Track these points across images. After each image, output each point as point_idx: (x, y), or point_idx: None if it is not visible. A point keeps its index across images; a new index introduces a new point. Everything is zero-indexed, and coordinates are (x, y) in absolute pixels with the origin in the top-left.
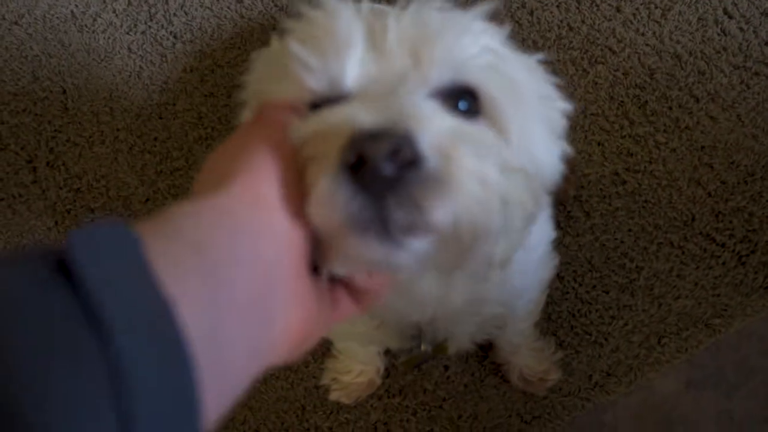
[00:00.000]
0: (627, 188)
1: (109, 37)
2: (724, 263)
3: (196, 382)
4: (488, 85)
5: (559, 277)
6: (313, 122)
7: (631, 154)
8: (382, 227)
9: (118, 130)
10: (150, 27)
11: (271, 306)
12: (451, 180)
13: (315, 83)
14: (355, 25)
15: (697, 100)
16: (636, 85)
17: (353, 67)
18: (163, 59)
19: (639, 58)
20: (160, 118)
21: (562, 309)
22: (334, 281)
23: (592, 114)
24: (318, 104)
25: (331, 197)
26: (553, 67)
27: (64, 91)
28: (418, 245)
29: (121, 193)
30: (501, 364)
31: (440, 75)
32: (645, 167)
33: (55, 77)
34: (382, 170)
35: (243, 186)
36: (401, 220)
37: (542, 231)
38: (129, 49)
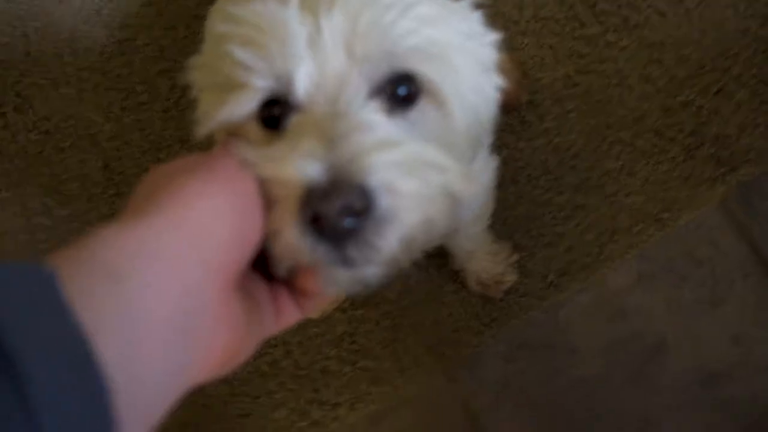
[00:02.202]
0: (579, 89)
1: None
2: (673, 158)
3: (111, 408)
4: (424, 67)
5: (514, 180)
6: (268, 169)
7: (582, 56)
8: (345, 262)
9: (81, 69)
10: None
11: (193, 332)
12: (399, 214)
13: (263, 84)
14: (296, 26)
15: None
16: None
17: (300, 72)
18: None
19: None
20: (122, 54)
21: (518, 212)
22: (278, 289)
23: (542, 18)
24: (270, 102)
25: (297, 245)
26: None
27: (26, 35)
28: (378, 267)
29: (89, 131)
30: (458, 270)
31: (377, 69)
32: (596, 67)
33: (16, 21)
34: (339, 226)
35: (173, 211)
36: (360, 258)
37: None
38: None
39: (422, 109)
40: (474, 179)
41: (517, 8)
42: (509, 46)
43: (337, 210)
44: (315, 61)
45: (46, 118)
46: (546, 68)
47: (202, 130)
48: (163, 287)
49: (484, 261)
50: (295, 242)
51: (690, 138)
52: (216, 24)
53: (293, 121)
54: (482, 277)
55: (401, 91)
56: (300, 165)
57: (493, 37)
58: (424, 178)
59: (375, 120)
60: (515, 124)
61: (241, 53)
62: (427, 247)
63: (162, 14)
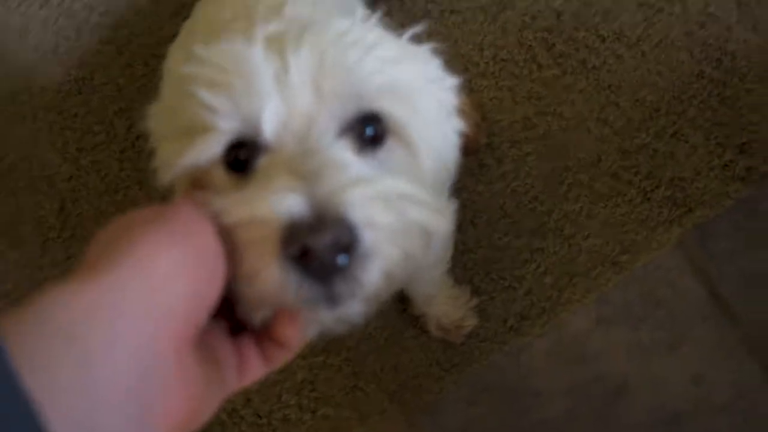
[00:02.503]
0: (537, 132)
1: (23, 13)
2: (630, 200)
3: None
4: (391, 108)
5: (473, 224)
6: (240, 211)
7: (541, 98)
8: (330, 299)
9: (37, 108)
10: (64, 0)
11: (148, 393)
12: (381, 248)
13: (229, 126)
14: (263, 65)
15: (603, 40)
16: (544, 28)
17: (267, 111)
18: (79, 33)
19: (546, 1)
20: (79, 93)
21: (477, 256)
22: (243, 341)
23: (501, 59)
24: (236, 145)
25: (280, 284)
26: (438, 35)
27: None
28: (361, 303)
29: (45, 172)
30: (419, 315)
31: (344, 108)
32: (554, 109)
33: None
34: (327, 262)
35: (126, 267)
36: (346, 293)
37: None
38: (44, 24)
39: (390, 149)
40: (446, 215)
41: (477, 49)
42: (469, 88)
43: (328, 244)
44: (282, 100)
45: (0, 157)
46: (505, 110)
47: (164, 178)
48: (116, 349)
49: (444, 305)
50: (278, 281)
51: (646, 181)
52: (177, 64)
53: (262, 162)
54: (442, 321)
55: (369, 131)
56: (279, 201)
57: (452, 81)
58: (401, 212)
59: (345, 158)
60: (474, 167)
61: (205, 94)
62: (390, 290)
63: (121, 52)
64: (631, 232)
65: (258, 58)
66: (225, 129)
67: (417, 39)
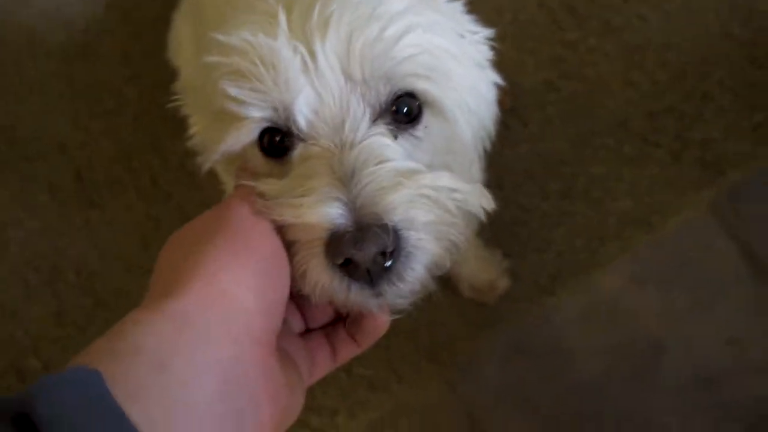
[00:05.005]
0: (561, 95)
1: None
2: (659, 162)
3: None
4: (423, 84)
5: (498, 186)
6: (288, 215)
7: (564, 60)
8: (377, 297)
9: (44, 76)
10: None
11: (239, 409)
12: (424, 246)
13: (261, 115)
14: (289, 54)
15: (626, 0)
16: None
17: (299, 102)
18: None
19: None
20: (86, 61)
21: (504, 218)
22: (311, 340)
23: (522, 22)
24: (269, 130)
25: (328, 287)
26: None
27: None
28: (408, 296)
29: (57, 140)
30: (451, 277)
31: (377, 91)
32: (578, 72)
33: None
34: (373, 269)
35: (199, 289)
36: (392, 293)
37: None
38: None
39: (427, 123)
40: (485, 192)
41: (495, 12)
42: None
43: (372, 253)
44: (313, 89)
45: (12, 127)
46: (527, 73)
47: (205, 164)
48: (203, 374)
49: (476, 267)
50: (326, 285)
51: (675, 143)
52: (184, 33)
53: (298, 152)
54: (475, 283)
55: (404, 110)
56: (323, 212)
57: (485, 33)
58: (442, 205)
59: (383, 147)
60: (499, 129)
61: (233, 88)
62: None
63: (127, 19)
64: (660, 194)
65: (284, 47)
66: (256, 118)
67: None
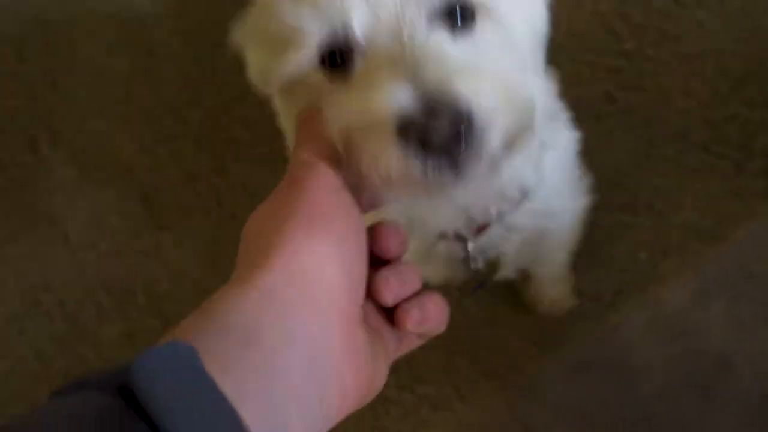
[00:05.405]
0: (619, 106)
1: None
2: (722, 173)
3: None
4: None
5: None
6: (354, 107)
7: (621, 71)
8: (454, 168)
9: (109, 101)
10: None
11: (324, 380)
12: (495, 120)
13: (320, 36)
14: None
15: (683, 7)
16: None
17: (356, 17)
18: (144, 24)
19: None
20: (148, 84)
21: None
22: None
23: (577, 33)
24: (329, 53)
25: (404, 170)
26: None
27: (51, 68)
28: (486, 169)
29: (125, 162)
30: (523, 293)
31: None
32: (635, 83)
33: (40, 56)
34: (448, 143)
35: (283, 265)
36: (470, 158)
37: (561, 131)
38: (108, 16)
39: (482, 30)
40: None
41: (549, 24)
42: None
43: (445, 129)
44: (368, 4)
45: (81, 150)
46: (584, 84)
47: (264, 89)
48: (294, 340)
49: (548, 284)
50: (401, 168)
51: (738, 152)
52: None
53: (359, 66)
54: (548, 300)
55: (458, 15)
56: (389, 96)
57: None
58: (507, 89)
59: (443, 46)
60: None
61: (292, 13)
62: (510, 157)
63: (187, 43)
64: (724, 205)
65: None
66: (315, 40)
67: None
